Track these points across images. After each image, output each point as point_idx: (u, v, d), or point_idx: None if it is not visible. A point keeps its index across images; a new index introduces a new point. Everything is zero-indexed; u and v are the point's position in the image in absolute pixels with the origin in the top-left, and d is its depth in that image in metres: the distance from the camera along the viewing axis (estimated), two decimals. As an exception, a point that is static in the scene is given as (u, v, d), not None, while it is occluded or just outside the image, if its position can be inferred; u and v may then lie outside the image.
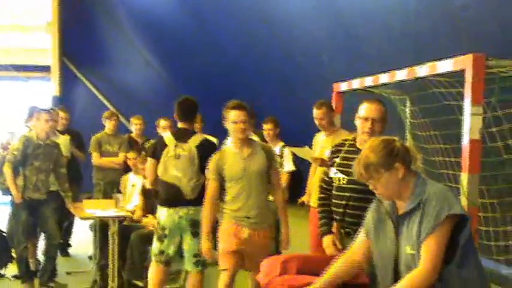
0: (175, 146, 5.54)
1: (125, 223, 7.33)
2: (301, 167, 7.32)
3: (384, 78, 5.38)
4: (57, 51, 14.00)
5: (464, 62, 4.19)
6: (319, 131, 6.56)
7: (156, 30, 12.60)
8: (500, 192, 5.14)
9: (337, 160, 4.24)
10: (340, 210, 4.14)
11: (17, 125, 8.06)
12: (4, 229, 7.59)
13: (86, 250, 8.63)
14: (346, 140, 4.36)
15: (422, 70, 4.68)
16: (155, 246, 5.74)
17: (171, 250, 5.67)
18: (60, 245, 8.27)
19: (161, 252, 5.71)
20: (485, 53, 4.18)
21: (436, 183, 3.10)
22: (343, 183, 4.14)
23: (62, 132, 8.29)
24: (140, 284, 6.98)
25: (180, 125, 5.86)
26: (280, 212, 5.25)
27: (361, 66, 6.62)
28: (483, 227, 4.83)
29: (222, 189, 5.07)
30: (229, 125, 5.00)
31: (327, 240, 4.27)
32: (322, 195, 4.41)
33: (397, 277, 3.03)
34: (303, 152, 6.53)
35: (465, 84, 4.20)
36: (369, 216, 3.26)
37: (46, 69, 14.23)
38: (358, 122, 4.11)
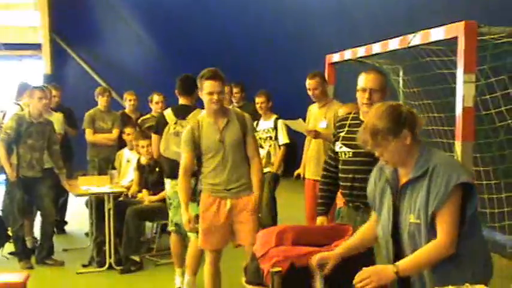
0: (175, 123, 5.79)
1: (121, 199, 7.34)
2: (296, 140, 7.30)
3: (376, 47, 5.35)
4: (47, 29, 13.91)
5: (456, 30, 4.17)
6: (311, 103, 6.56)
7: (146, 4, 12.52)
8: (494, 160, 5.16)
9: (342, 134, 4.15)
10: (348, 184, 4.06)
11: (8, 104, 8.00)
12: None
13: (82, 227, 8.65)
14: (349, 114, 4.27)
15: (415, 39, 4.65)
16: (169, 217, 6.18)
17: (178, 218, 5.76)
18: (56, 222, 8.30)
19: (171, 221, 6.15)
20: (477, 20, 4.15)
21: (441, 152, 3.05)
22: (348, 157, 4.07)
23: (54, 110, 8.26)
24: (137, 259, 7.01)
25: (181, 100, 6.06)
26: (254, 177, 4.93)
27: (353, 34, 6.58)
28: (478, 195, 4.83)
29: (198, 162, 4.96)
30: (203, 96, 4.78)
31: (319, 222, 4.28)
32: (325, 173, 4.33)
33: (398, 247, 2.99)
34: (296, 124, 6.49)
35: (457, 52, 4.18)
36: (371, 185, 3.19)
37: (37, 47, 14.14)
38: (358, 94, 4.02)
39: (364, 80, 3.96)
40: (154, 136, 6.21)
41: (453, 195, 2.77)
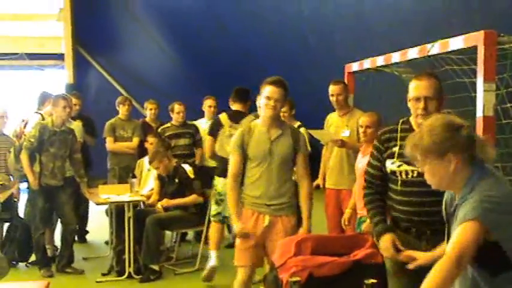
0: (230, 126, 6.25)
1: (140, 207, 7.36)
2: (319, 147, 7.23)
3: (395, 57, 5.33)
4: (70, 39, 14.00)
5: (475, 39, 4.14)
6: (329, 112, 6.52)
7: (168, 15, 12.58)
8: (515, 169, 5.09)
9: (396, 149, 3.60)
10: (412, 208, 3.49)
11: (31, 114, 8.06)
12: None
13: (102, 235, 8.68)
14: (396, 125, 3.71)
15: (434, 48, 4.63)
16: (213, 208, 6.73)
17: (226, 212, 6.17)
18: (78, 231, 8.33)
19: (218, 213, 6.63)
20: (496, 30, 4.12)
21: (494, 179, 2.62)
22: (412, 177, 3.50)
23: (74, 118, 8.31)
24: (156, 268, 7.00)
25: (234, 107, 6.68)
26: (304, 205, 4.68)
27: (372, 45, 6.56)
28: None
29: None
30: (262, 100, 4.60)
31: (387, 241, 3.50)
32: (370, 191, 3.77)
33: None
34: (321, 134, 6.41)
35: (477, 61, 4.14)
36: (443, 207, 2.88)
37: (59, 57, 14.26)
38: (410, 104, 3.55)
39: (417, 88, 3.50)
40: (208, 137, 6.74)
41: (465, 226, 2.49)
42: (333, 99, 6.25)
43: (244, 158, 4.65)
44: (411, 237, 3.50)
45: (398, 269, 3.35)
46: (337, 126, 6.30)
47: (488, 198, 2.51)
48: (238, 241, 4.70)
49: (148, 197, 7.48)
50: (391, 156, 3.60)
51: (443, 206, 2.83)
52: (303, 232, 4.49)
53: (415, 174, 3.46)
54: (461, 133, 2.58)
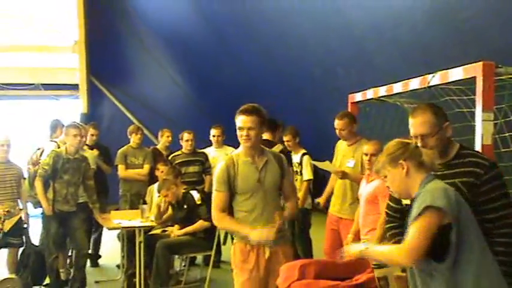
0: None
1: (153, 232, 7.35)
2: (324, 174, 7.23)
3: (397, 87, 5.35)
4: (84, 70, 14.10)
5: (474, 70, 4.16)
6: (333, 141, 6.54)
7: (179, 47, 12.67)
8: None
9: None
10: None
11: (47, 142, 8.11)
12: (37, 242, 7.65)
13: (114, 259, 8.66)
14: None
15: (434, 79, 4.65)
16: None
17: None
18: (90, 256, 8.33)
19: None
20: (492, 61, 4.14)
21: (439, 182, 2.99)
22: None
23: (92, 147, 8.38)
24: (166, 291, 6.99)
25: (264, 136, 6.02)
26: (288, 212, 4.47)
27: (373, 77, 6.59)
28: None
29: (229, 207, 4.41)
30: (237, 132, 4.34)
31: None
32: (392, 225, 3.70)
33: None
34: (324, 165, 6.43)
35: (476, 91, 4.15)
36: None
37: (74, 87, 14.35)
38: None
39: (412, 126, 3.45)
40: None
41: (424, 216, 2.81)
42: (337, 132, 6.24)
43: (231, 193, 4.35)
44: None
45: None
46: (344, 155, 6.30)
47: (435, 189, 2.88)
48: (240, 279, 4.35)
49: (159, 223, 7.49)
50: None
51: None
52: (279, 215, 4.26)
53: None
54: (409, 146, 3.07)
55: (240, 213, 4.34)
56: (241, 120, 4.27)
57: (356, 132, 6.31)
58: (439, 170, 3.27)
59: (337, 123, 6.21)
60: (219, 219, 4.40)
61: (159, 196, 7.69)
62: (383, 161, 3.07)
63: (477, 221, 2.93)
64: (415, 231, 2.81)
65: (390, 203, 3.70)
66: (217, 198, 4.37)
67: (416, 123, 3.41)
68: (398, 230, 3.55)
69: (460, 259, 2.81)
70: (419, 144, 3.37)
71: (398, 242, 3.45)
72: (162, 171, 7.71)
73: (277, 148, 6.38)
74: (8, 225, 7.30)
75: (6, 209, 7.27)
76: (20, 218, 7.46)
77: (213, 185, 4.49)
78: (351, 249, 3.14)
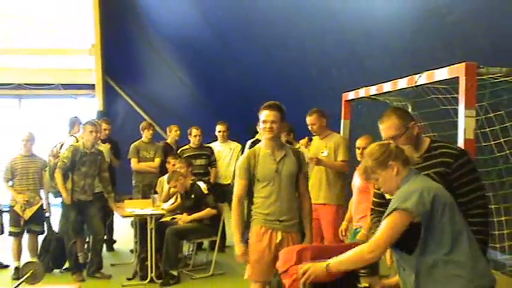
0: None
1: (163, 219, 7.36)
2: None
3: (386, 86, 5.33)
4: (100, 71, 14.11)
5: (458, 70, 4.14)
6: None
7: (187, 50, 12.66)
8: (494, 186, 5.07)
9: None
10: None
11: (65, 137, 8.13)
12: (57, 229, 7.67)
13: (127, 244, 8.68)
14: None
15: (421, 78, 4.63)
16: None
17: None
18: (106, 241, 8.35)
19: None
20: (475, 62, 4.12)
21: (418, 181, 2.96)
22: None
23: (104, 141, 8.37)
24: (175, 273, 7.00)
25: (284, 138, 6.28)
26: (305, 219, 4.61)
27: (365, 77, 6.57)
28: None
29: (250, 192, 4.53)
30: (260, 125, 4.51)
31: None
32: (376, 215, 3.69)
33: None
34: None
35: (459, 90, 4.14)
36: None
37: (91, 87, 14.36)
38: None
39: (382, 131, 3.52)
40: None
41: (394, 216, 2.82)
42: (309, 127, 6.30)
43: (251, 180, 4.49)
44: None
45: None
46: (317, 147, 6.33)
47: (407, 191, 2.86)
48: (252, 257, 4.47)
49: (169, 211, 7.50)
50: None
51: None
52: (307, 243, 4.45)
53: None
54: (390, 146, 3.04)
55: (258, 199, 4.47)
56: (265, 114, 4.42)
57: (326, 127, 6.35)
58: (417, 163, 3.28)
59: (308, 119, 6.25)
60: (234, 208, 4.53)
61: (168, 185, 7.72)
62: (371, 166, 3.02)
63: None
64: (382, 229, 2.85)
65: (375, 199, 3.72)
66: (239, 185, 4.53)
67: (385, 128, 3.47)
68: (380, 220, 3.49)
69: (428, 246, 2.82)
70: None
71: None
72: (174, 164, 7.72)
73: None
74: (28, 214, 7.33)
75: (26, 199, 7.30)
76: (41, 206, 7.48)
77: (235, 174, 4.69)
78: (314, 269, 3.03)
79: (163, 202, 7.61)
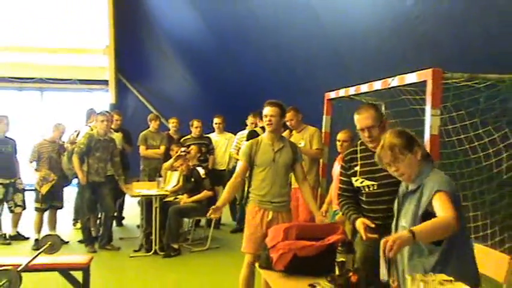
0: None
1: (166, 199, 7.37)
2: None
3: (364, 87, 5.33)
4: (113, 69, 14.05)
5: (426, 75, 4.14)
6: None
7: (190, 51, 12.62)
8: (455, 176, 5.09)
9: (358, 169, 3.43)
10: (381, 215, 3.27)
11: (81, 126, 8.13)
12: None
13: (135, 221, 8.69)
14: (355, 147, 3.55)
15: (394, 81, 4.64)
16: None
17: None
18: (116, 217, 8.36)
19: None
20: (442, 67, 4.13)
21: (441, 173, 2.74)
22: (374, 190, 3.34)
23: (116, 130, 8.36)
24: (176, 246, 7.03)
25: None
26: (310, 202, 4.62)
27: (346, 79, 6.57)
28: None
29: (249, 176, 4.58)
30: (264, 119, 4.55)
31: (359, 224, 3.26)
32: (343, 199, 3.53)
33: None
34: None
35: (427, 92, 4.16)
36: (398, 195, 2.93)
37: (105, 82, 14.31)
38: (360, 134, 3.42)
39: (359, 121, 3.37)
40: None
41: (441, 196, 2.56)
42: (288, 123, 6.35)
43: (251, 165, 4.52)
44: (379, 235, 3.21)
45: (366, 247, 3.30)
46: (295, 139, 6.36)
47: (444, 176, 2.68)
48: (247, 232, 4.53)
49: (172, 192, 7.50)
50: (354, 174, 3.44)
51: (396, 201, 2.83)
52: (318, 221, 4.46)
53: (375, 187, 3.32)
54: (411, 133, 2.80)
55: (255, 181, 4.52)
56: (266, 109, 4.49)
57: (301, 121, 6.51)
58: None
59: (286, 115, 6.25)
60: (230, 182, 4.61)
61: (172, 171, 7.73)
62: (401, 146, 2.70)
63: None
64: (445, 200, 2.54)
65: (341, 185, 3.57)
66: (239, 167, 4.64)
67: (362, 118, 3.35)
68: (351, 204, 3.46)
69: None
70: (365, 135, 3.33)
71: (348, 209, 3.44)
72: (177, 152, 7.71)
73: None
74: (45, 189, 7.30)
75: (43, 175, 7.29)
76: (59, 183, 7.44)
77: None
78: (401, 241, 2.40)
79: (167, 170, 7.63)
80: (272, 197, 4.47)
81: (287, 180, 4.59)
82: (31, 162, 7.45)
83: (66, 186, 7.75)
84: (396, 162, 2.73)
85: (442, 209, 2.52)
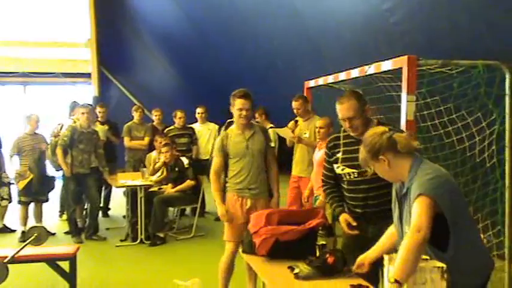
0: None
1: (151, 189, 7.34)
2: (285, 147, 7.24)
3: (342, 76, 5.36)
4: (95, 62, 13.96)
5: (401, 62, 4.17)
6: (291, 117, 6.57)
7: (171, 44, 12.57)
8: (430, 159, 5.16)
9: (340, 156, 3.39)
10: (360, 203, 3.30)
11: (64, 119, 8.05)
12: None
13: (120, 211, 8.64)
14: (338, 133, 3.51)
15: (370, 69, 4.66)
16: None
17: None
18: (102, 208, 8.31)
19: None
20: (415, 54, 4.16)
21: (426, 166, 2.55)
22: (354, 177, 3.32)
23: (102, 123, 8.31)
24: (161, 235, 7.02)
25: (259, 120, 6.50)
26: (273, 182, 4.51)
27: (324, 68, 6.60)
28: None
29: (225, 166, 4.43)
30: (234, 111, 4.30)
31: (342, 220, 3.38)
32: (327, 186, 3.56)
33: None
34: (283, 131, 6.52)
35: (402, 78, 4.19)
36: (393, 195, 2.76)
37: (87, 75, 14.19)
38: (341, 123, 3.36)
39: (340, 111, 3.28)
40: None
41: (419, 201, 2.41)
42: (295, 111, 6.30)
43: (226, 157, 4.41)
44: (361, 222, 3.30)
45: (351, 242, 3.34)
46: (301, 129, 6.38)
47: (428, 177, 2.46)
48: (227, 219, 4.43)
49: (156, 182, 7.47)
50: (336, 161, 3.41)
51: (394, 193, 2.72)
52: (274, 201, 4.45)
53: (356, 175, 3.30)
54: (383, 138, 2.58)
55: (232, 172, 4.40)
56: (240, 102, 4.25)
57: (309, 110, 6.36)
58: None
59: (294, 104, 6.27)
60: (212, 181, 4.45)
61: (156, 162, 7.68)
62: (365, 157, 2.63)
63: None
64: (418, 210, 2.40)
65: (325, 172, 3.56)
66: (215, 162, 4.46)
67: (344, 108, 3.25)
68: (335, 193, 3.49)
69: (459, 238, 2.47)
70: (347, 125, 3.26)
71: (332, 199, 3.49)
72: (161, 143, 7.65)
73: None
74: (21, 185, 7.21)
75: (19, 172, 7.22)
76: (37, 178, 7.29)
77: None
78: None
79: (151, 175, 7.56)
80: (249, 184, 4.38)
81: (263, 167, 4.46)
82: (11, 156, 7.35)
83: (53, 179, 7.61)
84: (375, 169, 2.66)
85: (412, 219, 2.41)
